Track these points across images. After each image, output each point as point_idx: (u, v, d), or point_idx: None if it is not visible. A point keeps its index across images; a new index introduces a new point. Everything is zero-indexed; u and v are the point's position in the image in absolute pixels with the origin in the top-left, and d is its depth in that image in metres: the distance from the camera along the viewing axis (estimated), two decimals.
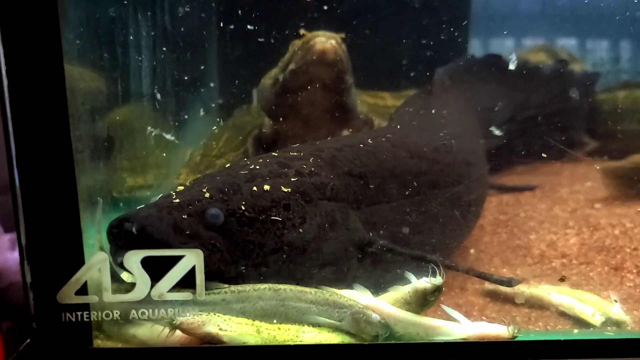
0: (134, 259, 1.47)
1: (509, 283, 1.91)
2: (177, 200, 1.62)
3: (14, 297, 2.79)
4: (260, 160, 1.86)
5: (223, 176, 1.76)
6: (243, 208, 1.64)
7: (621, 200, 2.65)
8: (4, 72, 1.38)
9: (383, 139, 2.16)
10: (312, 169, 1.83)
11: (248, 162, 1.85)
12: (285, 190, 1.73)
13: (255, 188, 1.69)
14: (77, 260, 1.47)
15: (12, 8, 1.36)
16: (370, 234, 1.89)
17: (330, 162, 1.90)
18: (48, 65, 1.39)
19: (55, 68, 1.39)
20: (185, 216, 1.57)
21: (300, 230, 1.72)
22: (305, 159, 1.88)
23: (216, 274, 1.59)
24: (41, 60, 1.39)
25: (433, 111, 2.72)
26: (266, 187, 1.71)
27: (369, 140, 2.10)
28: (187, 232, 1.55)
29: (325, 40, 2.36)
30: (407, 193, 2.05)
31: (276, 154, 1.94)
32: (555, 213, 2.67)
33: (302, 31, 2.43)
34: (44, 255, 1.47)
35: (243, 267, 1.64)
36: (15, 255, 2.70)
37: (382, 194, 1.98)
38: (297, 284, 1.68)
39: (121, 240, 1.52)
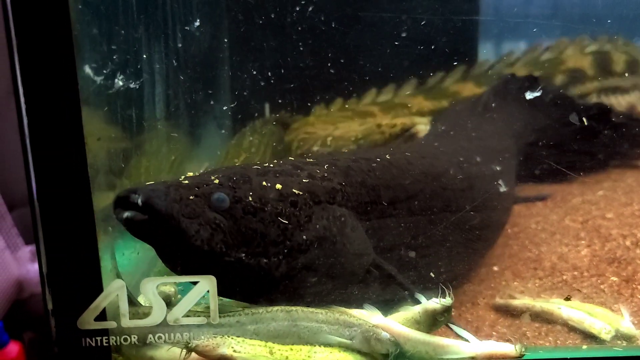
0: (150, 285, 1.53)
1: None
2: (186, 182, 1.67)
3: (35, 308, 2.86)
4: (276, 161, 1.92)
5: (236, 169, 1.82)
6: (250, 197, 1.68)
7: None
8: (22, 98, 1.43)
9: (401, 156, 2.20)
10: (325, 174, 1.87)
11: (265, 163, 1.90)
12: (295, 188, 1.77)
13: (264, 182, 1.73)
14: (96, 287, 1.52)
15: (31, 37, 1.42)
16: (372, 253, 1.91)
17: (345, 170, 1.93)
18: (65, 92, 1.44)
19: (72, 93, 1.44)
20: (192, 196, 1.61)
21: (305, 228, 1.74)
22: (319, 165, 1.91)
23: (217, 254, 1.62)
24: (58, 86, 1.44)
25: (457, 133, 2.94)
26: (276, 182, 1.75)
27: (387, 156, 2.13)
28: (191, 209, 1.59)
29: (425, 127, 3.11)
30: (418, 212, 2.07)
31: (292, 159, 2.00)
32: None
33: None
34: (64, 283, 1.52)
35: (243, 254, 1.65)
36: (36, 267, 2.77)
37: (393, 209, 2.00)
38: (305, 302, 1.73)
39: (125, 209, 1.55)
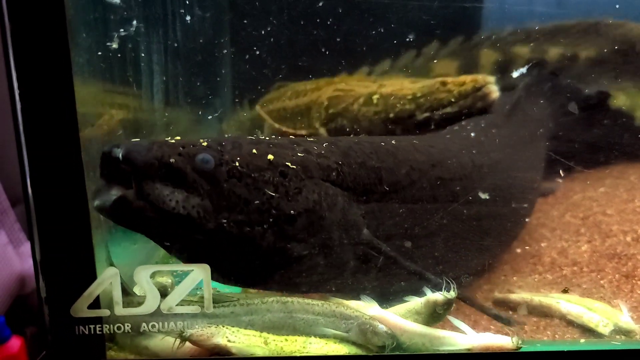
0: (143, 273, 1.52)
1: (508, 322, 1.94)
2: (173, 141, 1.64)
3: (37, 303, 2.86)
4: (276, 136, 1.90)
5: (233, 137, 1.79)
6: (236, 161, 1.65)
7: None
8: (17, 94, 1.44)
9: (407, 143, 2.16)
10: (322, 152, 1.83)
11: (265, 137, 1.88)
12: (287, 160, 1.73)
13: (255, 150, 1.70)
14: (90, 275, 1.52)
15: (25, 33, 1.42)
16: (366, 231, 1.87)
17: (345, 151, 1.89)
18: (59, 87, 1.45)
19: (66, 89, 1.45)
20: (175, 154, 1.58)
21: (293, 199, 1.70)
22: (318, 144, 1.88)
23: (192, 220, 1.57)
24: (53, 83, 1.45)
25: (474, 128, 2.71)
26: (268, 152, 1.72)
27: (393, 142, 2.10)
28: (171, 167, 1.56)
29: (496, 89, 2.54)
30: (420, 199, 2.03)
31: (295, 138, 1.97)
32: None
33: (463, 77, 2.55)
34: (58, 271, 1.52)
35: (224, 221, 1.61)
36: None
37: (395, 194, 1.96)
38: (296, 279, 1.72)
39: (108, 164, 1.54)
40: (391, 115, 2.68)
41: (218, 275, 1.71)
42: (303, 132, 2.86)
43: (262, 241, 1.66)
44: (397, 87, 2.73)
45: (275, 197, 1.67)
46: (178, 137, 1.70)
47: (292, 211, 1.69)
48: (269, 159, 1.69)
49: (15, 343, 2.76)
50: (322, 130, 2.82)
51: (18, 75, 1.45)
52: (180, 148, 1.60)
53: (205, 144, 1.66)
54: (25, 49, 1.44)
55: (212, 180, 1.61)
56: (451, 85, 2.62)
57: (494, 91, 2.57)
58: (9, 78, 1.45)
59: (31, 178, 1.48)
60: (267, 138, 1.83)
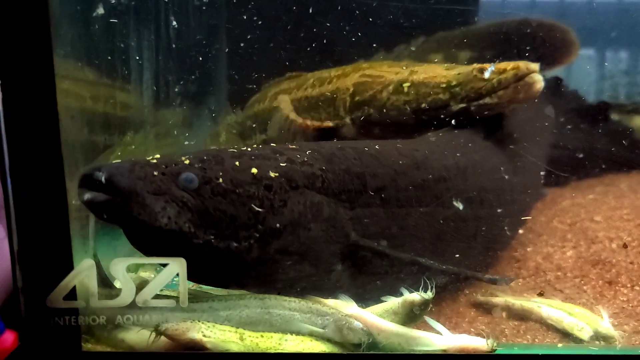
0: (119, 266, 1.53)
1: (501, 281, 1.97)
2: (154, 161, 1.63)
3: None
4: (258, 146, 1.88)
5: (210, 151, 1.78)
6: (220, 178, 1.64)
7: None
8: None
9: (391, 147, 2.14)
10: (305, 159, 1.82)
11: (246, 147, 1.86)
12: (271, 171, 1.72)
13: (237, 163, 1.69)
14: (66, 266, 1.52)
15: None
16: (353, 234, 1.87)
17: (328, 157, 1.89)
18: (40, 79, 1.46)
19: (47, 81, 1.46)
20: (158, 173, 1.58)
21: (279, 212, 1.70)
22: (301, 151, 1.87)
23: (183, 235, 1.57)
24: (33, 74, 1.46)
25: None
26: (251, 165, 1.70)
27: (376, 146, 2.08)
28: (157, 187, 1.56)
29: (541, 79, 2.29)
30: (405, 203, 2.02)
31: (275, 145, 1.95)
32: None
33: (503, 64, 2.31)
34: (34, 260, 1.53)
35: (212, 237, 1.61)
36: None
37: (379, 198, 1.96)
38: (280, 289, 1.73)
39: (89, 188, 1.52)
40: (423, 105, 2.43)
41: (197, 278, 1.74)
42: (330, 123, 2.63)
43: (248, 255, 1.67)
44: (430, 74, 2.46)
45: (262, 212, 1.67)
46: (157, 155, 1.71)
47: (278, 224, 1.70)
48: (253, 173, 1.69)
49: (8, 337, 2.77)
50: (348, 120, 2.61)
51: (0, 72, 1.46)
52: (163, 167, 1.60)
53: (187, 161, 1.65)
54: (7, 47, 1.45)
55: (197, 198, 1.61)
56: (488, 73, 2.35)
57: (538, 81, 2.28)
58: None
59: (10, 168, 1.48)
60: (249, 149, 1.82)
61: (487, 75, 2.34)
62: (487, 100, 2.33)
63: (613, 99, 3.33)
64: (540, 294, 2.02)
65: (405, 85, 2.47)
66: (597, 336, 1.88)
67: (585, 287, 2.20)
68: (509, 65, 2.30)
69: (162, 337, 1.57)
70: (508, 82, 2.30)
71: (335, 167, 1.87)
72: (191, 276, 1.60)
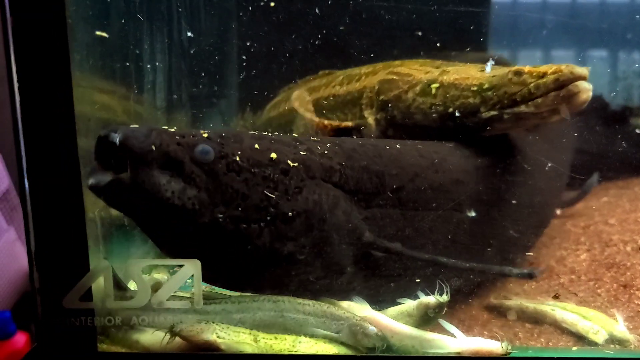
0: (135, 267, 1.54)
1: (531, 275, 1.90)
2: (173, 130, 1.60)
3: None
4: (280, 134, 1.85)
5: (232, 130, 1.79)
6: (237, 155, 1.61)
7: None
8: (17, 93, 1.47)
9: (411, 147, 2.10)
10: (325, 152, 1.79)
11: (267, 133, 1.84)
12: (289, 157, 1.69)
13: (257, 145, 1.67)
14: (83, 267, 1.54)
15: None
16: (368, 234, 1.83)
17: (348, 153, 1.85)
18: (58, 87, 1.48)
19: (64, 90, 1.48)
20: (174, 143, 1.55)
21: (293, 199, 1.67)
22: (322, 143, 1.84)
23: (187, 212, 1.54)
24: (51, 83, 1.48)
25: None
26: (270, 148, 1.68)
27: (397, 145, 2.04)
28: (169, 156, 1.52)
29: (589, 88, 1.94)
30: (423, 205, 1.99)
31: (297, 136, 1.92)
32: None
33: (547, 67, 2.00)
34: (51, 261, 1.54)
35: (220, 215, 1.58)
36: None
37: (397, 199, 1.92)
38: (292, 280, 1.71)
39: (104, 149, 1.51)
40: (450, 110, 2.16)
41: (207, 273, 1.68)
42: (349, 123, 2.45)
43: (258, 240, 1.64)
44: (462, 75, 2.19)
45: (275, 194, 1.64)
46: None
47: (291, 210, 1.66)
48: (271, 156, 1.66)
49: (20, 339, 2.80)
50: (371, 120, 2.41)
51: (18, 72, 1.48)
52: (180, 137, 1.57)
53: (206, 135, 1.62)
54: (25, 47, 1.47)
55: (211, 172, 1.57)
56: (527, 76, 2.01)
57: (585, 90, 1.92)
58: (9, 75, 1.48)
59: (28, 170, 1.50)
60: (269, 134, 1.80)
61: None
62: (522, 108, 2.03)
63: (626, 101, 3.31)
64: (556, 297, 2.01)
65: (434, 86, 2.23)
66: (612, 340, 1.87)
67: (599, 291, 2.19)
68: (550, 68, 1.99)
69: (177, 338, 1.58)
70: (547, 88, 1.97)
71: (355, 164, 1.84)
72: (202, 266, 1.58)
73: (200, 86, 2.59)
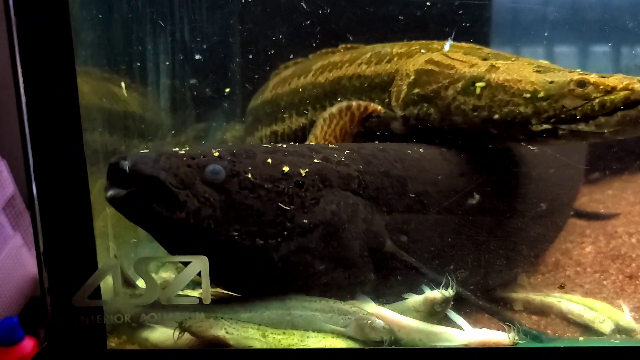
0: (143, 265, 1.55)
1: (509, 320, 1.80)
2: (183, 152, 1.61)
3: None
4: (295, 143, 1.82)
5: (245, 145, 1.78)
6: (248, 172, 1.61)
7: None
8: (22, 94, 1.48)
9: (435, 151, 2.03)
10: (342, 159, 1.77)
11: (283, 144, 1.82)
12: (303, 169, 1.68)
13: (270, 159, 1.66)
14: (91, 265, 1.55)
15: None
16: (389, 242, 1.80)
17: (368, 159, 1.83)
18: (64, 88, 1.49)
19: (70, 92, 1.49)
20: (184, 166, 1.56)
21: (310, 210, 1.66)
22: (340, 151, 1.82)
23: (205, 230, 1.56)
24: (56, 81, 1.49)
25: None
26: (284, 161, 1.67)
27: (420, 150, 1.99)
28: (180, 180, 1.53)
29: None
30: (445, 209, 1.93)
31: (313, 144, 1.89)
32: None
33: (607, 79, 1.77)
34: (60, 261, 1.56)
35: (236, 233, 1.59)
36: None
37: (420, 204, 1.87)
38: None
39: (114, 176, 1.53)
40: (496, 116, 1.88)
41: (222, 280, 1.73)
42: (379, 107, 2.16)
43: (276, 254, 1.64)
44: (515, 75, 1.89)
45: (291, 209, 1.64)
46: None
47: (308, 223, 1.66)
48: (284, 169, 1.66)
49: (28, 344, 2.82)
50: (400, 112, 2.12)
51: (24, 76, 1.49)
52: (190, 159, 1.58)
53: (217, 154, 1.63)
54: (31, 51, 1.49)
55: (223, 191, 1.58)
56: (592, 89, 1.75)
57: None
58: (15, 80, 1.50)
59: (35, 171, 1.52)
60: (284, 145, 1.79)
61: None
62: (581, 126, 1.78)
63: None
64: (562, 287, 2.01)
65: (479, 85, 1.93)
66: (619, 329, 1.88)
67: (605, 282, 2.20)
68: (619, 81, 1.73)
69: (186, 335, 1.60)
70: (615, 105, 1.72)
71: (374, 169, 1.82)
72: (215, 278, 1.59)
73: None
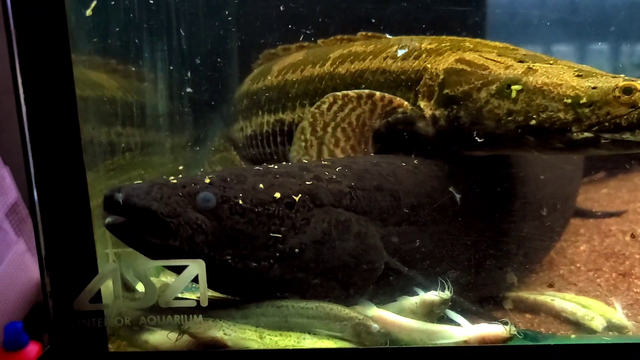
0: (142, 268, 1.59)
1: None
2: (175, 181, 1.64)
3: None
4: (287, 163, 1.84)
5: (236, 169, 1.78)
6: (239, 198, 1.64)
7: None
8: (22, 101, 1.52)
9: (430, 163, 2.04)
10: (334, 177, 1.80)
11: (275, 165, 1.84)
12: (294, 190, 1.70)
13: (261, 183, 1.69)
14: (92, 270, 1.59)
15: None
16: (386, 258, 1.83)
17: (360, 174, 1.85)
18: (62, 94, 1.53)
19: (68, 96, 1.53)
20: (175, 195, 1.59)
21: (301, 231, 1.69)
22: (331, 168, 1.85)
23: (198, 255, 1.60)
24: (56, 88, 1.53)
25: None
26: (274, 183, 1.69)
27: (415, 161, 2.01)
28: (171, 209, 1.57)
29: None
30: (440, 221, 1.95)
31: (306, 162, 1.92)
32: None
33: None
34: (61, 266, 1.60)
35: (229, 257, 1.62)
36: None
37: (415, 216, 1.90)
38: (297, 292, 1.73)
39: (110, 208, 1.56)
40: (533, 122, 1.78)
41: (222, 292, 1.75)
42: (406, 103, 2.04)
43: (268, 274, 1.68)
44: (554, 79, 1.79)
45: (282, 231, 1.67)
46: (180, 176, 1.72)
47: (300, 244, 1.69)
48: (275, 195, 1.68)
49: (32, 349, 2.85)
50: (428, 113, 2.01)
51: (23, 80, 1.53)
52: (182, 188, 1.62)
53: (208, 180, 1.66)
54: (30, 58, 1.53)
55: (215, 217, 1.62)
56: (639, 95, 1.67)
57: None
58: (14, 83, 1.54)
59: (35, 176, 1.55)
60: (275, 167, 1.82)
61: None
62: (626, 135, 1.69)
63: None
64: (551, 285, 2.04)
65: (515, 88, 1.82)
66: (611, 327, 1.91)
67: (598, 280, 2.22)
68: None
69: (184, 337, 1.63)
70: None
71: (367, 184, 1.85)
72: (211, 285, 1.64)
73: None
